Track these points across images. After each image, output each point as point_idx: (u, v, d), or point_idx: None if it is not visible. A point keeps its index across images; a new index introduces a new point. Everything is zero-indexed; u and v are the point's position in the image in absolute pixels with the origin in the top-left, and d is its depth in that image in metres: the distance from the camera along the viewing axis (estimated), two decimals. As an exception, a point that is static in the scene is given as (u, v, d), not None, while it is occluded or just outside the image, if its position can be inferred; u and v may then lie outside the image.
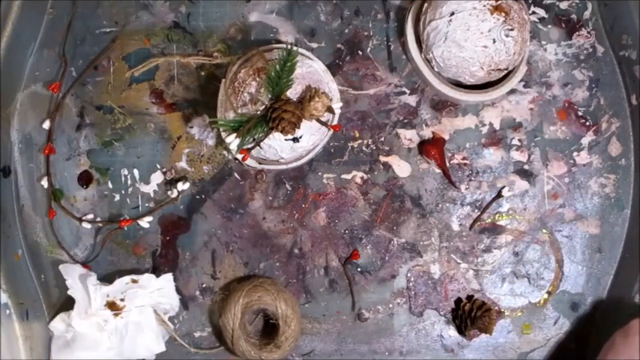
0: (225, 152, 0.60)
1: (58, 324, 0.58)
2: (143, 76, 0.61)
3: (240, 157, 0.53)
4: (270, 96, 0.51)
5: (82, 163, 0.61)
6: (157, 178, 0.60)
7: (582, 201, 0.59)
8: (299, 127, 0.50)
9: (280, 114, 0.49)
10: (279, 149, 0.53)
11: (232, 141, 0.50)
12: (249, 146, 0.52)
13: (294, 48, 0.50)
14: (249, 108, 0.52)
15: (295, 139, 0.53)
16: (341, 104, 0.55)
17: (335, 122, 0.55)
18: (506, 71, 0.56)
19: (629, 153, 0.59)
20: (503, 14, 0.53)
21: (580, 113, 0.60)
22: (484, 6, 0.53)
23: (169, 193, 0.59)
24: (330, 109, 0.51)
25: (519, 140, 0.59)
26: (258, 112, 0.51)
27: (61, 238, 0.60)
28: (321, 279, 0.59)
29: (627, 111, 0.60)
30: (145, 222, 0.59)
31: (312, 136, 0.53)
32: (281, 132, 0.49)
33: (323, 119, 0.53)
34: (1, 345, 0.56)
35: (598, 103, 0.60)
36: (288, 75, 0.50)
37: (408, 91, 0.60)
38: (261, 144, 0.52)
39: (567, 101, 0.60)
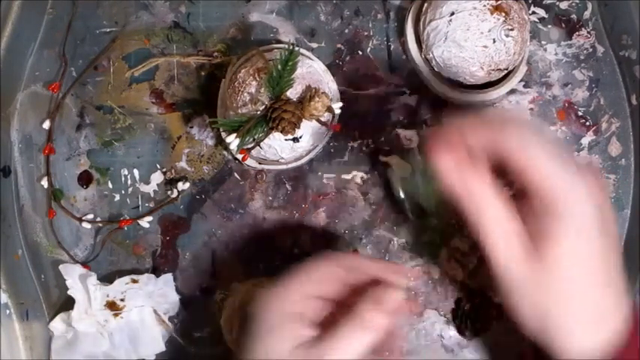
0: (225, 152, 0.60)
1: (58, 324, 0.58)
2: (143, 76, 0.61)
3: (240, 156, 0.53)
4: (270, 96, 0.51)
5: (82, 163, 0.61)
6: (157, 178, 0.60)
7: (582, 201, 0.59)
8: (299, 127, 0.50)
9: (280, 114, 0.49)
10: (279, 149, 0.53)
11: (232, 141, 0.50)
12: (249, 146, 0.52)
13: (296, 48, 0.50)
14: (249, 108, 0.52)
15: (295, 139, 0.53)
16: (341, 104, 0.55)
17: (335, 122, 0.55)
18: (506, 71, 0.56)
19: (629, 153, 0.59)
20: (503, 14, 0.53)
21: (580, 113, 0.60)
22: (484, 6, 0.53)
23: (169, 193, 0.59)
24: (330, 109, 0.51)
25: (519, 140, 0.59)
26: (258, 112, 0.51)
27: (61, 238, 0.60)
28: (321, 279, 0.59)
29: (627, 111, 0.60)
30: (145, 222, 0.59)
31: (311, 136, 0.53)
32: (281, 132, 0.49)
33: (323, 119, 0.53)
34: (1, 345, 0.56)
35: (598, 103, 0.60)
36: (289, 75, 0.50)
37: (408, 91, 0.60)
38: (261, 144, 0.52)
39: (567, 101, 0.60)
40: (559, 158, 0.40)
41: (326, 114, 0.52)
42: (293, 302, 0.44)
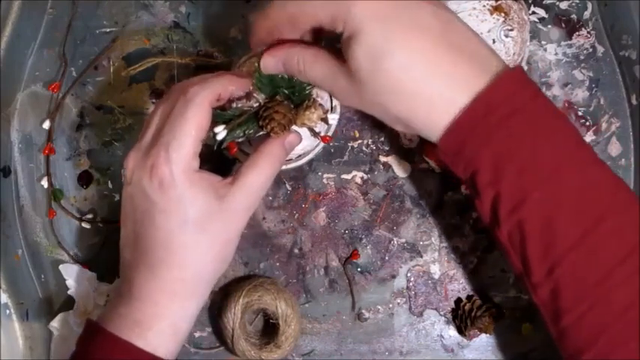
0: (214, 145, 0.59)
1: (58, 324, 0.58)
2: (143, 77, 0.61)
3: (228, 149, 0.52)
4: (264, 95, 0.50)
5: (82, 163, 0.61)
6: (157, 178, 0.60)
7: (582, 201, 0.59)
8: (288, 130, 0.50)
9: (271, 114, 0.49)
10: None
11: (220, 132, 0.50)
12: (239, 140, 0.51)
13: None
14: (243, 102, 0.52)
15: None
16: (337, 116, 0.54)
17: (331, 132, 0.55)
18: (506, 71, 0.56)
19: (629, 153, 0.59)
20: (503, 14, 0.53)
21: (580, 113, 0.60)
22: (484, 6, 0.53)
23: (169, 193, 0.59)
24: (324, 120, 0.51)
25: (519, 140, 0.59)
26: (252, 109, 0.51)
27: (61, 238, 0.60)
28: (321, 279, 0.59)
29: (627, 111, 0.60)
30: (144, 222, 0.59)
31: (302, 140, 0.53)
32: (269, 132, 0.49)
33: (316, 129, 0.53)
34: (1, 345, 0.56)
35: (598, 103, 0.60)
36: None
37: (408, 91, 0.60)
38: (254, 143, 0.52)
39: (567, 101, 0.60)
40: None
41: (321, 122, 0.52)
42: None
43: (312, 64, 0.46)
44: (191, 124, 0.45)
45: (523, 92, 0.42)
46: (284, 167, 0.57)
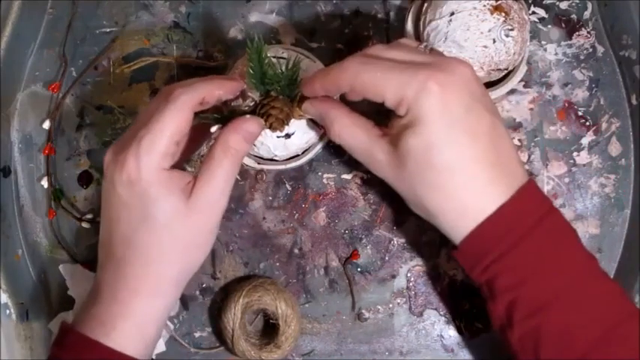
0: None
1: (58, 324, 0.58)
2: (143, 77, 0.61)
3: None
4: (259, 93, 0.50)
5: (82, 163, 0.61)
6: (157, 178, 0.60)
7: (582, 201, 0.59)
8: (287, 124, 0.50)
9: (268, 110, 0.49)
10: (272, 146, 0.53)
11: (215, 130, 0.50)
12: None
13: (257, 38, 0.48)
14: (239, 102, 0.52)
15: (287, 136, 0.53)
16: None
17: None
18: (506, 71, 0.56)
19: (629, 153, 0.59)
20: (504, 14, 0.53)
21: (580, 113, 0.60)
22: (484, 6, 0.53)
23: (169, 193, 0.59)
24: None
25: (519, 140, 0.59)
26: (249, 107, 0.51)
27: (61, 238, 0.60)
28: (321, 279, 0.59)
29: (627, 111, 0.60)
30: (145, 222, 0.59)
31: (304, 134, 0.53)
32: (269, 128, 0.49)
33: None
34: (1, 345, 0.56)
35: (598, 103, 0.60)
36: (261, 67, 0.49)
37: (408, 91, 0.60)
38: (255, 141, 0.52)
39: (567, 101, 0.60)
40: (390, 69, 0.45)
41: None
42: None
43: (350, 131, 0.48)
44: (167, 124, 0.44)
45: (542, 206, 0.46)
46: (286, 166, 0.58)
